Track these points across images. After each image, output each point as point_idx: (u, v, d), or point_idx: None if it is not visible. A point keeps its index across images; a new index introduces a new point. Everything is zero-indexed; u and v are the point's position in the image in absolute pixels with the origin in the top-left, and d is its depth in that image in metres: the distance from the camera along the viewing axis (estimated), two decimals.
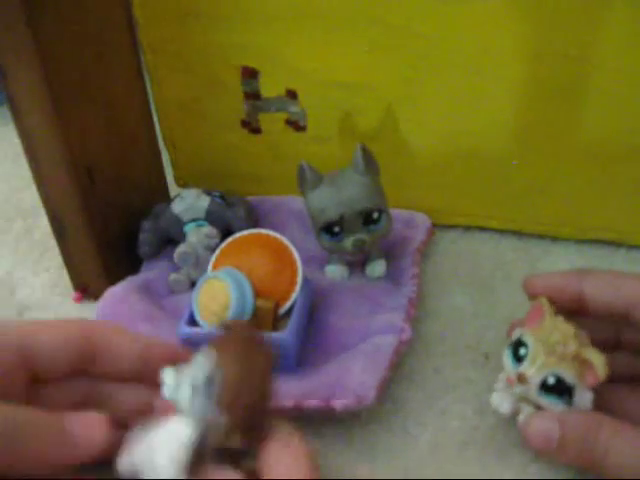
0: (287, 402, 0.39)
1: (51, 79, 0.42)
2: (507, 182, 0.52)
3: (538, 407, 0.36)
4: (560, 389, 0.35)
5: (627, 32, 0.44)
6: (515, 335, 0.38)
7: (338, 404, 0.39)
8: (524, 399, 0.37)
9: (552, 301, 0.37)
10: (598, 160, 0.49)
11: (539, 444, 0.35)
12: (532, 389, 0.36)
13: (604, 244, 0.53)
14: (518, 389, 0.36)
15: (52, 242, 0.51)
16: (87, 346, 0.34)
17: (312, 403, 0.39)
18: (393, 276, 0.50)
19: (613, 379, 0.35)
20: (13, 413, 0.30)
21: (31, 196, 0.63)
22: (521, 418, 0.37)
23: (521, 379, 0.36)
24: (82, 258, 0.50)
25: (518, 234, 0.55)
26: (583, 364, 0.35)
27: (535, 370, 0.35)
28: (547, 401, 0.36)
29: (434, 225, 0.55)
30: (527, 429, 0.35)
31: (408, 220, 0.54)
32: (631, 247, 0.52)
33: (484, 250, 0.54)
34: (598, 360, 0.34)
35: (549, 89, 0.48)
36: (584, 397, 0.35)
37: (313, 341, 0.45)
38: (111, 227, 0.50)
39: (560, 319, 0.36)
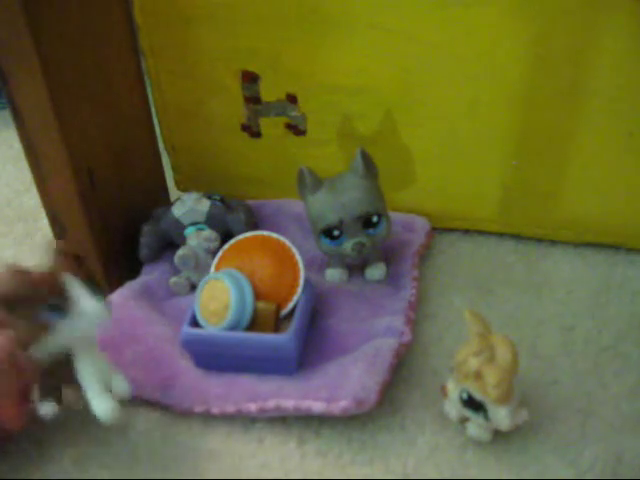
0: (287, 403, 0.39)
1: (52, 84, 0.43)
2: (506, 186, 0.53)
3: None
4: (474, 404, 0.36)
5: (626, 37, 0.44)
6: None
7: (338, 408, 0.39)
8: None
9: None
10: (596, 164, 0.50)
11: None
12: (458, 403, 0.37)
13: (603, 247, 0.53)
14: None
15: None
16: None
17: (312, 405, 0.39)
18: (393, 279, 0.50)
19: None
20: None
21: (32, 199, 0.64)
22: (469, 429, 0.38)
23: (443, 391, 0.38)
24: None
25: (517, 237, 0.55)
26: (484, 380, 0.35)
27: (452, 386, 0.37)
28: (470, 414, 0.37)
29: (433, 228, 0.55)
30: None
31: (407, 224, 0.55)
32: (630, 250, 0.52)
33: (483, 253, 0.54)
34: (491, 378, 0.34)
35: (547, 93, 0.48)
36: (498, 413, 0.35)
37: (313, 343, 0.45)
38: (111, 230, 0.51)
39: (476, 332, 0.36)
